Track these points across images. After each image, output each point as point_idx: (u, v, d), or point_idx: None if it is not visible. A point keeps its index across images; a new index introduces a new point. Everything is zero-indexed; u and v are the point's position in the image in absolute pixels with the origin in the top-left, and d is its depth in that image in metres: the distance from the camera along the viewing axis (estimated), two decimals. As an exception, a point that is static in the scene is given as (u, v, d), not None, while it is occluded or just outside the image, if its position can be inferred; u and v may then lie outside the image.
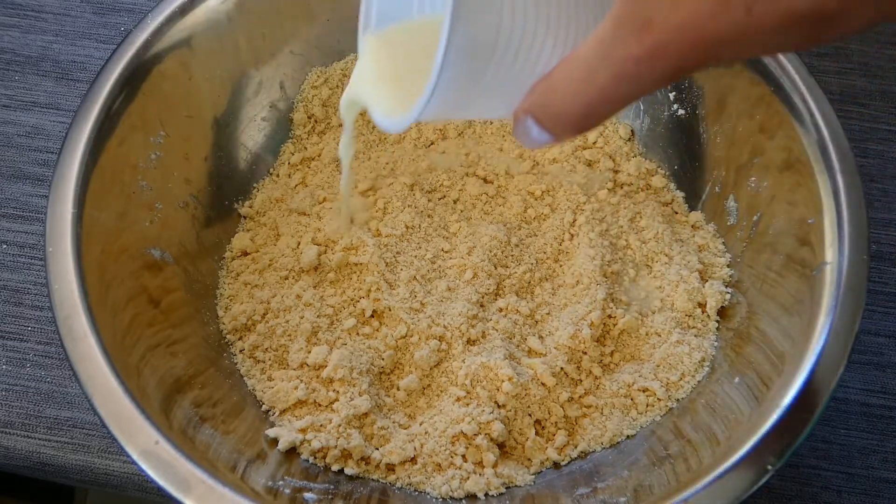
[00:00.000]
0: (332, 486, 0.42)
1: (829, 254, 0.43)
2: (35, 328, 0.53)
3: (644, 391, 0.46)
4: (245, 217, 0.53)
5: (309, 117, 0.56)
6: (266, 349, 0.48)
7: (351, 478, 0.43)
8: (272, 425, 0.45)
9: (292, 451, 0.44)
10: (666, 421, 0.46)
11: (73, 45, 0.64)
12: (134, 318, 0.44)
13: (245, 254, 0.52)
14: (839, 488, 0.49)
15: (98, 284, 0.42)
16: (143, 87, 0.48)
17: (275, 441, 0.44)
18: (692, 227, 0.53)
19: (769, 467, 0.37)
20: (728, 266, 0.50)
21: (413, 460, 0.44)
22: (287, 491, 0.41)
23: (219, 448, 0.41)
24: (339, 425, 0.44)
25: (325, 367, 0.46)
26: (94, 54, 0.63)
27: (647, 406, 0.46)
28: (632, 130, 0.56)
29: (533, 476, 0.45)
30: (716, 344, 0.48)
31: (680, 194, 0.54)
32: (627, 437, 0.46)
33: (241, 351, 0.48)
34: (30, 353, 0.52)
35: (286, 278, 0.50)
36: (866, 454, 0.50)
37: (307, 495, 0.41)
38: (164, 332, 0.45)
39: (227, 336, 0.49)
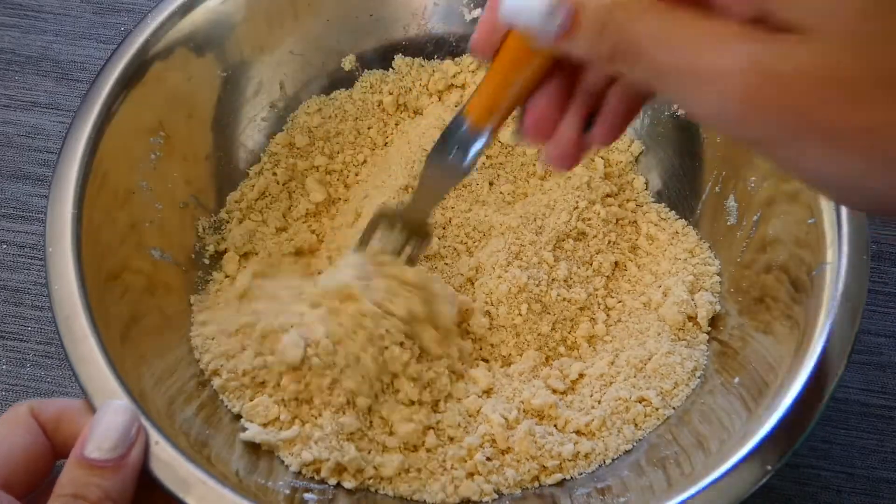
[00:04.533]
0: (332, 487, 0.42)
1: (829, 254, 0.43)
2: (35, 328, 0.53)
3: (641, 401, 0.46)
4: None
5: (289, 144, 0.55)
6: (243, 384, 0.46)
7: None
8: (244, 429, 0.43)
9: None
10: (665, 425, 0.46)
11: (73, 45, 0.64)
12: (134, 319, 0.44)
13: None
14: (839, 488, 0.49)
15: (98, 285, 0.42)
16: (142, 88, 0.48)
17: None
18: (678, 233, 0.52)
19: (769, 468, 0.37)
20: (718, 275, 0.50)
21: (407, 469, 0.44)
22: (287, 491, 0.41)
23: (220, 450, 0.41)
24: (330, 437, 0.43)
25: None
26: (94, 54, 0.63)
27: (645, 416, 0.46)
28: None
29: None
30: (707, 353, 0.48)
31: (665, 208, 0.54)
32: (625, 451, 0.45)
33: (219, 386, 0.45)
34: (30, 353, 0.52)
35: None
36: (866, 454, 0.50)
37: (307, 495, 0.41)
38: (163, 333, 0.45)
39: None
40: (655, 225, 0.53)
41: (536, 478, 0.44)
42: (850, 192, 0.29)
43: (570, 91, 0.35)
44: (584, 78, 0.35)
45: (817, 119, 0.26)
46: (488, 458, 0.44)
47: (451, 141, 0.40)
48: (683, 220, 0.53)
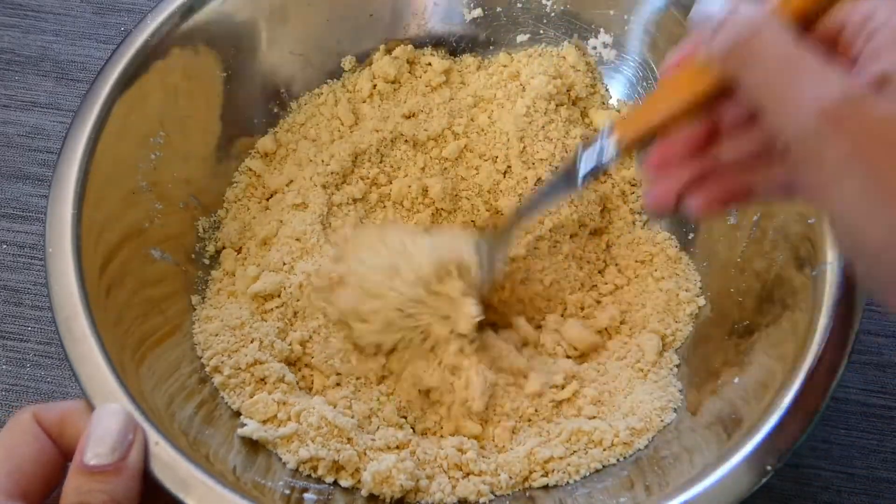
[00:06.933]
0: (331, 487, 0.42)
1: (830, 254, 0.43)
2: (35, 328, 0.53)
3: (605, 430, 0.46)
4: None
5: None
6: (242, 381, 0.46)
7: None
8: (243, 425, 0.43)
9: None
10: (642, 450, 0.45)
11: (73, 45, 0.64)
12: (134, 319, 0.44)
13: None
14: (839, 488, 0.49)
15: (98, 285, 0.42)
16: (143, 88, 0.48)
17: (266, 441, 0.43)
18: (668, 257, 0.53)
19: (769, 468, 0.37)
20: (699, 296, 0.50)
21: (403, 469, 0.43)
22: (287, 491, 0.41)
23: (218, 448, 0.41)
24: (326, 434, 0.43)
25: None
26: (94, 54, 0.63)
27: (612, 445, 0.45)
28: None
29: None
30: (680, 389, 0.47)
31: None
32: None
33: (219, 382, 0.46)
34: (30, 353, 0.52)
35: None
36: (866, 454, 0.50)
37: (307, 495, 0.41)
38: (163, 333, 0.45)
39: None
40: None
41: (526, 478, 0.44)
42: (863, 246, 0.29)
43: (703, 149, 0.36)
44: (719, 143, 0.35)
45: (875, 163, 0.27)
46: (484, 458, 0.44)
47: (587, 151, 0.39)
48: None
